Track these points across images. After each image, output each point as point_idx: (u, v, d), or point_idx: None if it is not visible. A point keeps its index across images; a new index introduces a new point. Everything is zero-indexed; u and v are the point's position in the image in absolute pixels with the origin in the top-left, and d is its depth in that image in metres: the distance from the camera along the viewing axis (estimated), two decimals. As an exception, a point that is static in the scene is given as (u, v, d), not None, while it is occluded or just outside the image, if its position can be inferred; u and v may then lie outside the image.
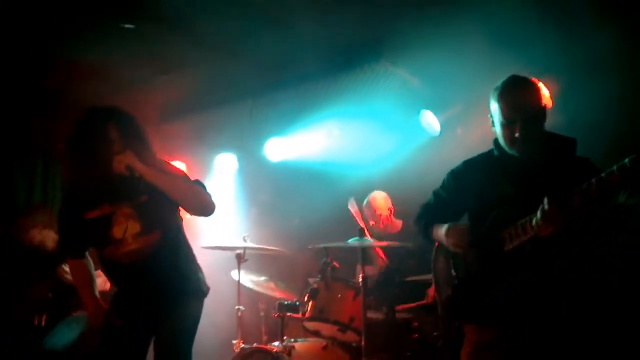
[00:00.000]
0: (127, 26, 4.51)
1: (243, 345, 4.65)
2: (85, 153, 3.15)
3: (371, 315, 4.51)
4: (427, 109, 5.61)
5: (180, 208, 3.33)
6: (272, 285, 5.14)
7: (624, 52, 4.13)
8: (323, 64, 5.28)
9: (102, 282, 3.60)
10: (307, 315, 4.45)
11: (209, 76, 5.49)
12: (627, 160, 2.24)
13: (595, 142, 2.82)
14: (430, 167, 5.26)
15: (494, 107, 2.72)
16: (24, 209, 4.93)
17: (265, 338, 5.01)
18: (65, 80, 5.13)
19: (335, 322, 4.38)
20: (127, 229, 3.17)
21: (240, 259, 4.99)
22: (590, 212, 2.40)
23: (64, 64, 4.93)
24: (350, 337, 4.45)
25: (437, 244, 3.00)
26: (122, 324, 3.22)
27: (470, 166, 2.92)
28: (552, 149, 2.69)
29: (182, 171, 3.44)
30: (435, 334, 4.41)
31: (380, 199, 5.46)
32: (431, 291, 4.54)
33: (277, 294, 5.12)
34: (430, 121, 5.62)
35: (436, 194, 3.03)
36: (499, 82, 2.75)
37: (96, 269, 3.48)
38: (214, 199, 3.28)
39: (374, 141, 6.02)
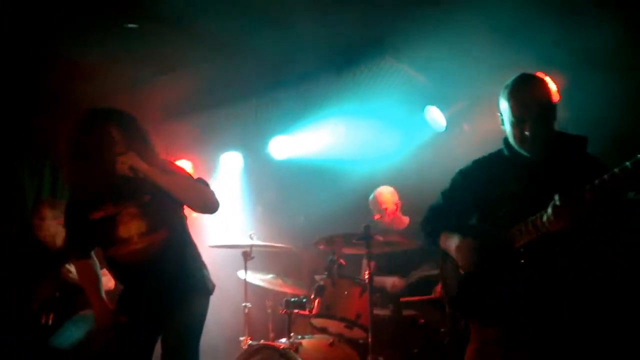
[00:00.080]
0: (130, 25, 4.51)
1: (250, 342, 4.66)
2: (87, 154, 3.16)
3: (377, 311, 4.51)
4: (432, 104, 5.59)
5: (185, 206, 3.33)
6: (279, 281, 5.14)
7: (628, 46, 4.12)
8: (327, 61, 5.29)
9: (105, 280, 3.60)
10: (314, 311, 4.45)
11: (213, 75, 5.50)
12: (639, 156, 2.24)
13: (600, 137, 2.80)
14: (435, 163, 5.26)
15: (504, 105, 2.70)
16: (35, 202, 4.94)
17: (272, 335, 5.02)
18: (67, 80, 5.15)
19: (342, 319, 4.38)
20: (132, 228, 3.18)
21: (247, 257, 5.00)
22: (597, 208, 2.40)
23: (66, 63, 4.95)
24: (356, 333, 4.45)
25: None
26: (128, 321, 3.23)
27: (480, 165, 2.91)
28: (562, 148, 2.68)
29: (184, 170, 3.45)
30: (441, 330, 4.40)
31: (386, 192, 5.45)
32: (439, 287, 4.53)
33: (284, 290, 5.13)
34: (436, 117, 5.60)
35: (444, 194, 3.00)
36: (508, 80, 2.73)
37: (101, 268, 3.49)
38: (218, 196, 3.29)
39: (378, 138, 6.00)
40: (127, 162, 3.12)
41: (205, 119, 6.21)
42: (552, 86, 2.75)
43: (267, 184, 6.68)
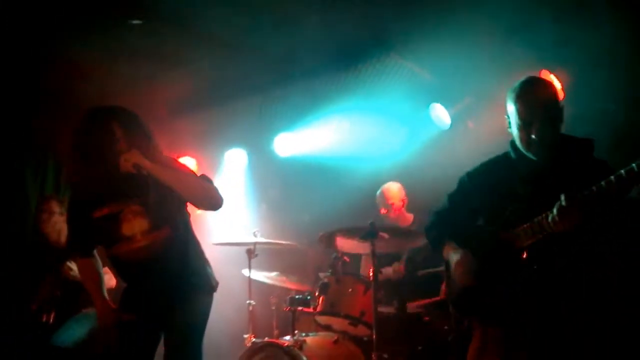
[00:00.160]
0: (135, 22, 4.51)
1: (254, 339, 4.66)
2: (90, 153, 3.15)
3: (382, 309, 4.51)
4: (437, 101, 5.59)
5: (188, 203, 3.33)
6: (284, 278, 5.15)
7: (634, 44, 4.11)
8: (331, 58, 5.28)
9: (107, 278, 3.59)
10: (318, 309, 4.46)
11: (217, 72, 5.50)
12: None
13: (604, 135, 2.79)
14: (440, 161, 5.26)
15: (511, 108, 2.70)
16: (41, 198, 4.93)
17: (276, 332, 5.02)
18: (69, 79, 5.14)
19: (346, 316, 4.39)
20: (135, 226, 3.18)
21: (251, 254, 5.00)
22: (597, 209, 2.40)
23: (68, 62, 4.94)
24: (361, 331, 4.46)
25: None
26: (131, 320, 3.23)
27: (487, 168, 2.91)
28: (568, 151, 2.67)
29: (188, 167, 3.44)
30: (445, 327, 4.40)
31: (394, 188, 5.46)
32: (444, 285, 4.53)
33: (289, 287, 5.13)
34: (440, 114, 5.59)
35: (451, 198, 3.00)
36: (515, 83, 2.72)
37: (103, 266, 3.49)
38: (221, 192, 3.28)
39: (383, 135, 6.01)
40: (131, 159, 3.11)
41: (210, 116, 6.21)
42: (558, 87, 2.74)
43: (272, 181, 6.68)
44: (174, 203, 3.24)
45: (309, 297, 4.62)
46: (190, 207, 3.37)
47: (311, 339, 4.41)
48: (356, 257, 5.26)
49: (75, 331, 4.30)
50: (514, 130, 2.71)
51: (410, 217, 5.46)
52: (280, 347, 4.22)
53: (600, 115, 3.80)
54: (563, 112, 2.68)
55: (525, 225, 2.59)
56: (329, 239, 4.54)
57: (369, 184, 5.70)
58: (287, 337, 4.43)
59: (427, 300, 4.73)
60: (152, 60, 5.14)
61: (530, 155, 2.69)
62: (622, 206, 2.45)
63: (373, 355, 4.08)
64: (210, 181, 3.33)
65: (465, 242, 2.82)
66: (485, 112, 5.15)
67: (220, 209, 3.30)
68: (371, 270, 4.28)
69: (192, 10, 4.45)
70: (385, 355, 4.23)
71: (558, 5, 4.13)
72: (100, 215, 3.21)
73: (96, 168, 3.15)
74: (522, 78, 2.75)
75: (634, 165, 2.27)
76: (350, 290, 4.45)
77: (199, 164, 6.48)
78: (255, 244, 4.98)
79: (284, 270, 5.23)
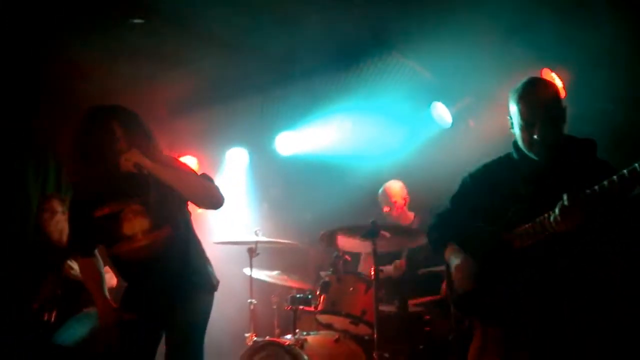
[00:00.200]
0: (136, 21, 4.51)
1: (255, 338, 4.66)
2: (90, 153, 3.15)
3: (383, 308, 4.51)
4: (438, 100, 5.59)
5: (189, 202, 3.33)
6: (285, 277, 5.15)
7: (635, 44, 4.10)
8: (333, 57, 5.28)
9: (108, 277, 3.59)
10: (319, 308, 4.46)
11: (219, 71, 5.50)
12: None
13: (604, 135, 2.79)
14: (441, 160, 5.26)
15: (513, 108, 2.70)
16: (42, 197, 4.94)
17: (277, 331, 5.03)
18: (70, 79, 5.14)
19: (347, 315, 4.39)
20: (136, 226, 3.18)
21: (252, 253, 5.00)
22: (600, 209, 2.40)
23: (68, 62, 4.94)
24: (362, 329, 4.46)
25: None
26: (132, 319, 3.23)
27: (489, 169, 2.91)
28: (571, 152, 2.67)
29: (188, 166, 3.44)
30: (447, 326, 4.40)
31: (396, 186, 5.47)
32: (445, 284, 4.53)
33: (290, 286, 5.13)
34: (442, 113, 5.59)
35: (453, 200, 3.00)
36: (518, 84, 2.73)
37: (103, 265, 3.49)
38: (222, 191, 3.28)
39: (384, 134, 6.00)
40: (131, 158, 3.11)
41: (211, 115, 6.21)
42: (560, 86, 2.74)
43: (273, 180, 6.68)
44: (175, 202, 3.24)
45: (310, 296, 4.62)
46: (191, 206, 3.37)
47: (312, 338, 4.41)
48: (356, 256, 5.26)
49: (77, 330, 4.31)
50: (517, 131, 2.71)
51: (411, 215, 5.47)
52: (281, 346, 4.23)
53: (600, 115, 3.80)
54: (566, 113, 2.68)
55: (527, 225, 2.59)
56: (330, 238, 4.54)
57: (370, 182, 5.70)
58: (289, 336, 4.44)
59: (427, 298, 4.73)
60: (152, 60, 5.14)
61: (532, 155, 2.69)
62: (624, 206, 2.45)
63: (374, 354, 4.08)
64: (210, 180, 3.33)
65: (466, 242, 2.81)
66: (486, 111, 5.15)
67: (221, 208, 3.30)
68: (372, 269, 4.29)
69: (192, 10, 4.45)
70: (386, 354, 4.24)
71: (558, 4, 4.13)
72: (101, 214, 3.21)
73: (96, 167, 3.14)
74: (525, 79, 2.75)
75: (636, 165, 2.27)
76: (351, 289, 4.45)
77: (200, 163, 6.48)
78: (256, 242, 4.98)
79: (285, 269, 5.24)
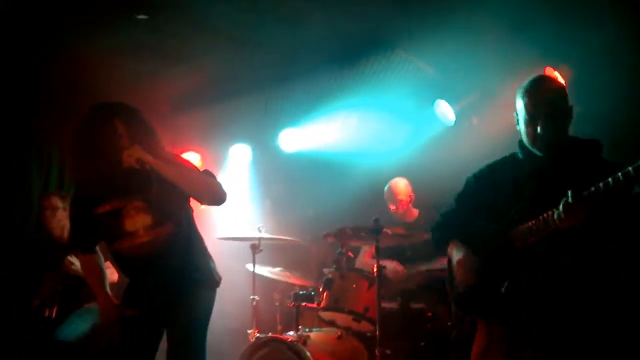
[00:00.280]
0: (140, 16, 4.51)
1: (258, 335, 4.67)
2: (92, 150, 3.15)
3: (385, 304, 4.52)
4: (442, 98, 5.58)
5: (191, 198, 3.33)
6: (288, 274, 5.16)
7: (638, 42, 4.10)
8: (337, 54, 5.27)
9: (109, 273, 3.59)
10: (322, 304, 4.47)
11: (222, 67, 5.50)
12: None
13: (605, 134, 2.78)
14: (444, 157, 5.26)
15: (519, 104, 2.70)
16: (43, 194, 4.95)
17: (280, 327, 5.03)
18: (74, 74, 5.15)
19: (350, 312, 4.40)
20: (138, 222, 3.18)
21: (255, 249, 5.00)
22: (604, 207, 2.39)
23: (74, 57, 4.95)
24: (364, 326, 4.46)
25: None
26: (133, 316, 3.24)
27: (494, 169, 2.91)
28: (575, 152, 2.67)
29: (190, 162, 3.44)
30: (449, 323, 4.41)
31: (401, 184, 5.47)
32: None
33: (293, 282, 5.14)
34: (445, 111, 5.59)
35: (457, 200, 2.99)
36: (525, 81, 2.73)
37: (105, 260, 3.49)
38: (224, 187, 3.28)
39: (388, 131, 6.00)
40: (134, 155, 3.11)
41: (215, 111, 6.21)
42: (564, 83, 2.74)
43: (276, 177, 6.68)
44: (177, 199, 3.24)
45: (312, 293, 4.63)
46: (193, 203, 3.37)
47: (315, 335, 4.42)
48: (358, 252, 5.27)
49: (78, 326, 4.33)
50: (521, 126, 2.71)
51: (415, 212, 5.48)
52: (283, 342, 4.23)
53: (601, 114, 3.79)
54: (572, 111, 2.68)
55: (530, 223, 2.59)
56: (334, 236, 4.56)
57: (373, 180, 5.70)
58: (291, 333, 4.44)
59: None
60: (156, 56, 5.15)
61: (535, 151, 2.69)
62: (629, 203, 2.44)
63: (376, 351, 4.10)
64: (213, 176, 3.33)
65: (470, 240, 2.81)
66: (489, 108, 5.14)
67: (224, 204, 3.30)
68: (374, 267, 4.30)
69: (196, 6, 4.45)
70: (388, 351, 4.25)
71: (561, 3, 4.12)
72: (103, 211, 3.21)
73: (98, 164, 3.14)
74: (532, 76, 2.75)
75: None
76: (354, 286, 4.46)
77: (203, 159, 6.49)
78: (259, 239, 4.99)
79: (287, 266, 5.24)
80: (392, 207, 5.42)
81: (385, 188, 5.51)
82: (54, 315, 4.37)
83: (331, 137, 6.21)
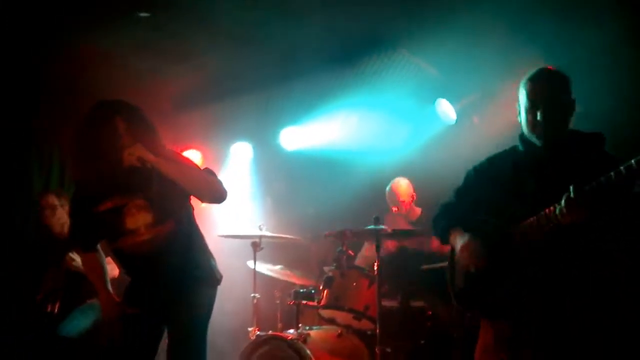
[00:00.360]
0: (142, 14, 4.52)
1: (258, 332, 4.67)
2: (93, 148, 3.15)
3: (386, 303, 4.53)
4: (443, 97, 5.59)
5: (192, 196, 3.34)
6: (288, 272, 5.17)
7: (637, 42, 4.10)
8: (338, 53, 5.28)
9: (110, 268, 3.60)
10: (322, 302, 4.47)
11: (224, 65, 5.51)
12: None
13: (606, 133, 2.79)
14: (445, 156, 5.26)
15: (521, 94, 2.71)
16: (43, 192, 4.96)
17: (280, 325, 5.04)
18: (76, 73, 5.15)
19: (350, 310, 4.40)
20: (139, 220, 3.19)
21: (256, 247, 5.01)
22: (605, 205, 2.39)
23: (75, 55, 4.95)
24: (364, 324, 4.47)
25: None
26: (134, 313, 3.25)
27: (494, 162, 2.91)
28: (577, 144, 2.67)
29: (191, 160, 3.44)
30: (449, 322, 4.41)
31: (403, 185, 5.47)
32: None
33: (293, 280, 5.15)
34: (446, 110, 5.59)
35: (457, 191, 3.01)
36: (528, 73, 2.74)
37: (105, 256, 3.50)
38: (225, 185, 3.29)
39: (389, 130, 6.00)
40: (135, 153, 3.11)
41: (216, 109, 6.22)
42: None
43: (277, 175, 6.69)
44: (178, 197, 3.24)
45: (313, 291, 4.64)
46: (194, 200, 3.38)
47: (315, 333, 4.43)
48: (356, 245, 5.27)
49: (80, 322, 4.34)
50: (522, 115, 2.71)
51: (418, 210, 5.49)
52: (284, 340, 4.24)
53: (601, 114, 3.79)
54: (573, 104, 2.68)
55: (531, 219, 2.59)
56: (336, 236, 4.58)
57: (374, 178, 5.71)
58: (291, 331, 4.45)
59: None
60: (157, 54, 5.15)
61: (534, 139, 2.68)
62: (629, 203, 2.44)
63: (376, 349, 4.11)
64: (213, 174, 3.33)
65: (471, 231, 2.82)
66: (490, 108, 5.14)
67: (224, 202, 3.30)
68: (375, 264, 4.31)
69: (197, 4, 4.45)
70: (389, 349, 4.25)
71: (561, 3, 4.12)
72: (104, 209, 3.21)
73: (99, 162, 3.14)
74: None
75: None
76: (354, 284, 4.47)
77: (204, 157, 6.50)
78: (260, 237, 4.99)
79: (288, 264, 5.25)
80: (395, 209, 5.42)
81: (387, 190, 5.51)
82: (56, 310, 4.39)
83: (332, 136, 6.21)
